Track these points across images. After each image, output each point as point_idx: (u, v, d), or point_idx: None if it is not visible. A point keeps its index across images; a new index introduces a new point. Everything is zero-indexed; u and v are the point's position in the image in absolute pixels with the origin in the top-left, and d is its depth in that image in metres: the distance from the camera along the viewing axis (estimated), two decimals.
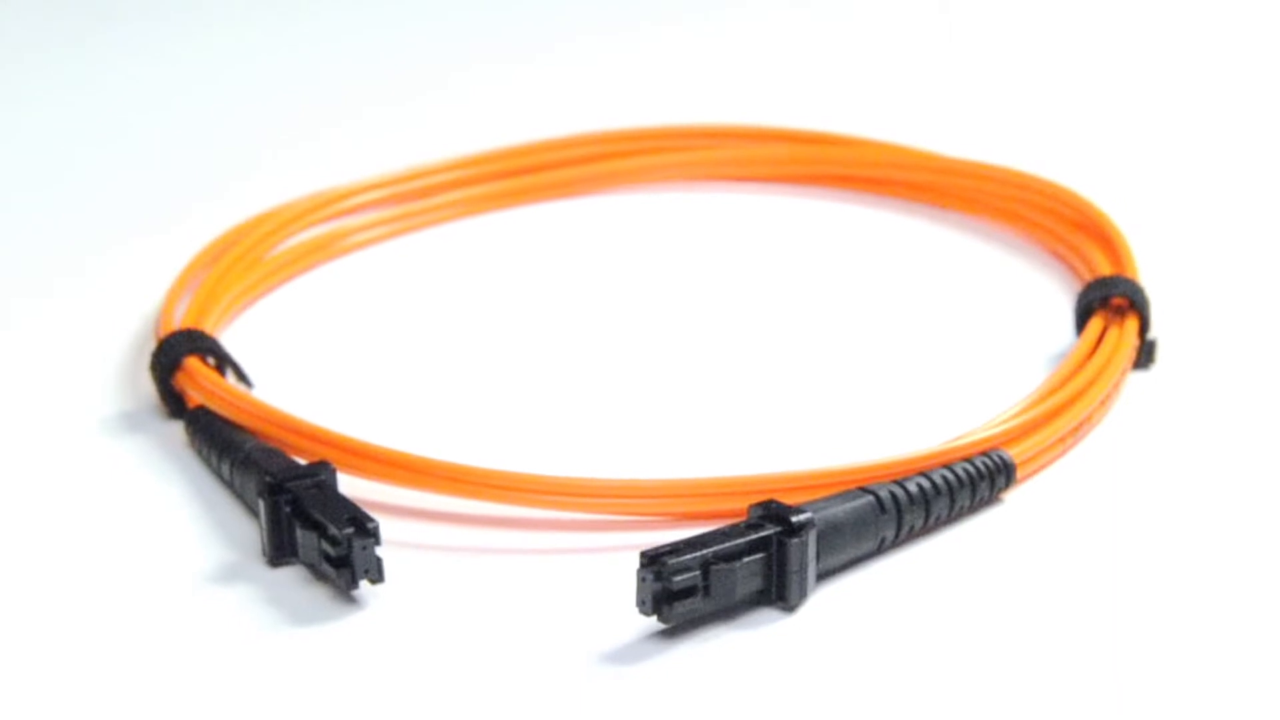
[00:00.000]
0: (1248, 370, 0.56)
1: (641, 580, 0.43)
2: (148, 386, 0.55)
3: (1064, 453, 0.51)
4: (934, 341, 0.58)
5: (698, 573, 0.43)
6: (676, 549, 0.43)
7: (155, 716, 0.41)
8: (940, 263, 0.64)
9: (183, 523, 0.49)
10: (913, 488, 0.47)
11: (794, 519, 0.44)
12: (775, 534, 0.44)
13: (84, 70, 0.88)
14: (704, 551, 0.43)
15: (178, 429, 0.53)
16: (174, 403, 0.53)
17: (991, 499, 0.48)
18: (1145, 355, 0.56)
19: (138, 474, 0.51)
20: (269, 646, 0.44)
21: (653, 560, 0.42)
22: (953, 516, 0.48)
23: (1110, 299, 0.56)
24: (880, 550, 0.46)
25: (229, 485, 0.50)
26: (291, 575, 0.46)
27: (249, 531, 0.48)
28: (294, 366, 0.57)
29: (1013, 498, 0.49)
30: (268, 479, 0.46)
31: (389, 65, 0.88)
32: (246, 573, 0.46)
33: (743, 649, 0.43)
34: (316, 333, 0.60)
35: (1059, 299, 0.60)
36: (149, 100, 0.83)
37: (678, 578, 0.43)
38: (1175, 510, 0.48)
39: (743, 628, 0.44)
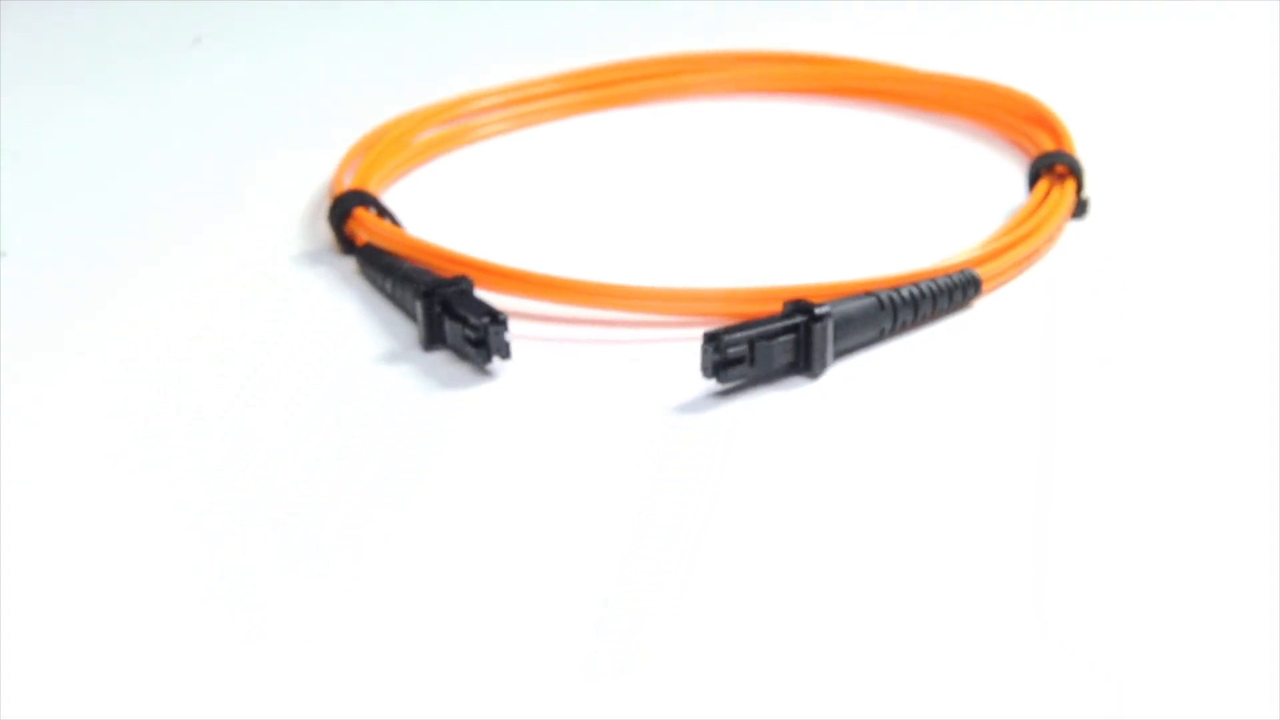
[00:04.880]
0: (1161, 221, 0.57)
1: (704, 352, 0.44)
2: (325, 233, 0.57)
3: (1018, 274, 0.52)
4: (923, 198, 0.59)
5: (746, 347, 0.44)
6: (730, 330, 0.44)
7: (347, 450, 0.43)
8: (924, 149, 0.65)
9: (359, 326, 0.50)
10: (905, 294, 0.48)
11: (817, 310, 0.45)
12: (803, 321, 0.45)
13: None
14: (751, 332, 0.45)
15: (350, 262, 0.54)
16: (345, 243, 0.55)
17: (963, 304, 0.50)
18: (1080, 209, 0.57)
19: (324, 295, 0.53)
20: (427, 406, 0.46)
21: (713, 337, 0.44)
22: (934, 316, 0.49)
23: (1054, 166, 0.57)
24: (880, 338, 0.48)
25: (391, 298, 0.51)
26: (441, 357, 0.48)
27: (408, 330, 0.49)
28: (436, 221, 0.57)
29: (979, 305, 0.50)
30: (422, 287, 0.48)
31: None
32: (408, 356, 0.48)
33: (778, 404, 0.45)
34: (450, 198, 0.61)
35: (1015, 170, 0.61)
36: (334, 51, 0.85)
37: (731, 350, 0.44)
38: (1099, 318, 0.50)
39: (778, 389, 0.46)
